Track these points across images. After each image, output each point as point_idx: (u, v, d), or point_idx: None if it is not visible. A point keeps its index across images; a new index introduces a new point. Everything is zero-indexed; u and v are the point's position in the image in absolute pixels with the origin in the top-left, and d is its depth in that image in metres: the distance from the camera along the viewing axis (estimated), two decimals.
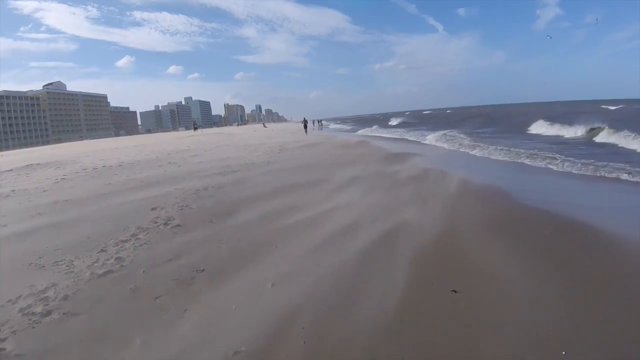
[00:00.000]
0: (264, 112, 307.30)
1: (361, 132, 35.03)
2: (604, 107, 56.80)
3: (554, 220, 4.55)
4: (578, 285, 2.86)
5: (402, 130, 32.56)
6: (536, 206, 5.19)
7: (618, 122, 18.52)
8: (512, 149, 12.01)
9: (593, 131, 15.76)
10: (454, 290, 2.85)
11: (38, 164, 14.26)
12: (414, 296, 2.81)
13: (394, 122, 55.68)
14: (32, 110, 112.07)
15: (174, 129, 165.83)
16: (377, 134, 28.70)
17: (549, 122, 21.40)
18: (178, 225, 4.80)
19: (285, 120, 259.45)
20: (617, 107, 52.16)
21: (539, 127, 21.49)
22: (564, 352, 2.12)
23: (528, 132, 21.48)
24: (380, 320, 2.52)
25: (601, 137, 14.29)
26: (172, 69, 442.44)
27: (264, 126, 73.31)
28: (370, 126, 44.79)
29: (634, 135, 12.26)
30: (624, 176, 7.06)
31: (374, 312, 2.62)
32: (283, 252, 3.81)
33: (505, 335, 2.31)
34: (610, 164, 8.26)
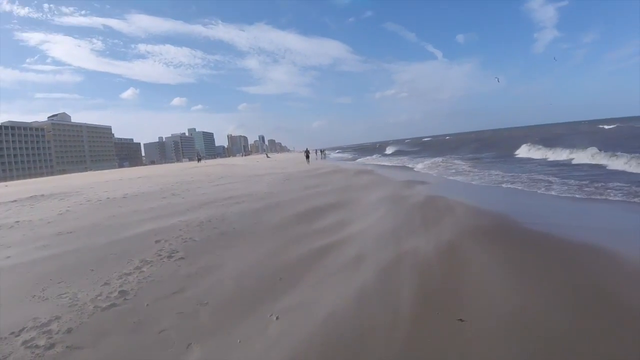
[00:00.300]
0: (266, 142, 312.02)
1: (361, 160, 35.92)
2: (600, 126, 58.06)
3: (560, 243, 4.56)
4: (591, 313, 2.83)
5: (405, 157, 33.39)
6: (538, 229, 5.23)
7: (607, 142, 20.62)
8: (507, 174, 12.75)
9: (575, 153, 16.90)
10: (460, 319, 2.84)
11: (42, 195, 14.38)
12: (420, 328, 2.79)
13: (392, 149, 56.77)
14: (37, 141, 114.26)
15: (178, 160, 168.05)
16: (378, 162, 29.13)
17: (538, 147, 22.85)
18: (182, 258, 4.80)
19: (288, 150, 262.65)
20: (612, 127, 53.23)
21: (528, 151, 23.06)
22: None
23: (517, 155, 23.09)
24: (386, 355, 2.49)
25: (580, 158, 15.48)
26: (176, 100, 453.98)
27: (267, 156, 74.07)
28: (371, 154, 45.74)
29: (618, 154, 13.29)
30: (620, 197, 7.29)
31: (380, 347, 2.59)
32: (287, 284, 3.80)
33: None
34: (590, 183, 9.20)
